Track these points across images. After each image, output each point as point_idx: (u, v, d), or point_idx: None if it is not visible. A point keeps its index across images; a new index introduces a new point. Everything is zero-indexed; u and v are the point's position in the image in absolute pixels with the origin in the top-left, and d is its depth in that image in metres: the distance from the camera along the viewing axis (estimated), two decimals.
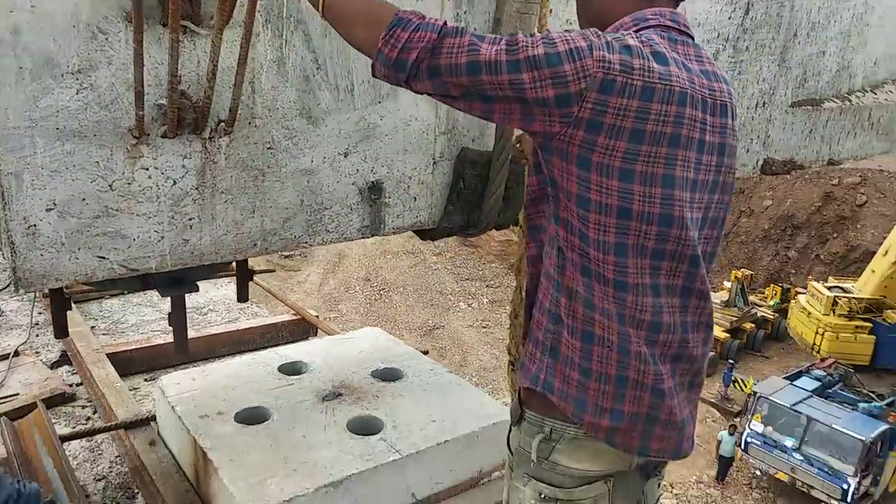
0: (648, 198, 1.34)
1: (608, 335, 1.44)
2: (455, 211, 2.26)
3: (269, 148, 1.85)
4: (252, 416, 2.64)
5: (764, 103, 2.99)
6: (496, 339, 17.57)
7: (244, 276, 2.70)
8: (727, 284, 17.87)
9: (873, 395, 12.38)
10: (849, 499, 10.42)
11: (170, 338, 3.87)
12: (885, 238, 14.94)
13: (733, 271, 18.13)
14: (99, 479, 2.83)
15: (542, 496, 1.54)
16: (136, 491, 2.76)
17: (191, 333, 3.90)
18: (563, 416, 1.50)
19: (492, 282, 21.66)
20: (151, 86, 1.58)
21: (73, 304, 4.26)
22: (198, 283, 2.22)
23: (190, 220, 1.79)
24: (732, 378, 14.43)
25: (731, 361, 15.17)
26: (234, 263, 2.60)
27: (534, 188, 1.59)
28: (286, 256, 21.60)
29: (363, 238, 2.12)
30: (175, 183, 1.73)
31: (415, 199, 2.18)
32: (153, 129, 1.64)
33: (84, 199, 1.63)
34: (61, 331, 2.19)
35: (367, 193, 2.06)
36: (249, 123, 1.80)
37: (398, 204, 2.16)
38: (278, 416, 2.64)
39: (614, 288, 1.40)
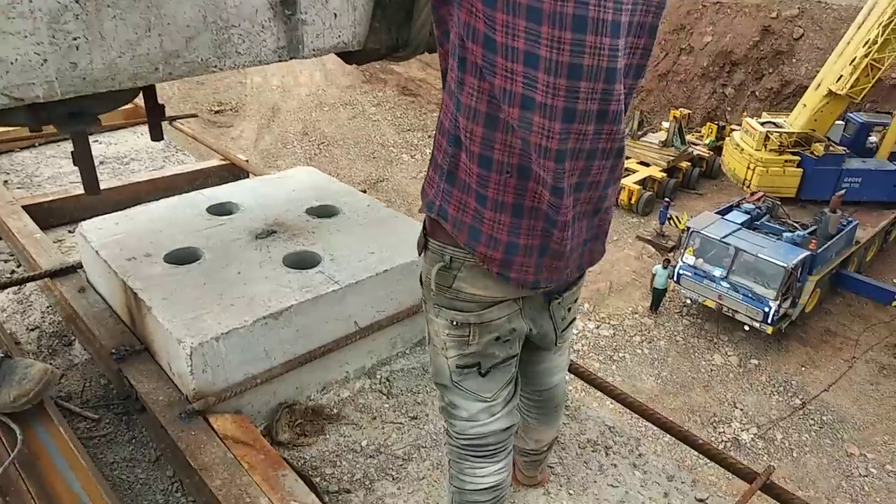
0: (558, 43, 1.21)
1: (508, 160, 1.34)
2: (381, 29, 2.07)
3: None
4: (182, 257, 2.56)
5: None
6: None
7: (155, 112, 2.48)
8: (665, 125, 18.06)
9: (797, 225, 13.12)
10: (769, 320, 11.33)
11: None
12: (818, 72, 15.11)
13: (672, 111, 18.26)
14: (32, 330, 2.77)
15: (455, 323, 1.54)
16: (72, 337, 2.71)
17: (112, 183, 3.72)
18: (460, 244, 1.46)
19: (433, 132, 21.30)
20: None
21: None
22: (99, 117, 2.01)
23: (75, 39, 1.58)
24: (668, 216, 14.99)
25: (667, 200, 15.68)
26: (143, 101, 2.41)
27: (438, 19, 1.41)
28: (216, 112, 20.62)
29: (280, 60, 1.93)
30: None
31: (335, 15, 1.98)
32: None
33: None
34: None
35: (280, 8, 1.85)
36: None
37: (317, 21, 1.95)
38: (210, 255, 2.57)
39: (521, 106, 1.27)
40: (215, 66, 1.83)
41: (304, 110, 21.60)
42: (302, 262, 2.61)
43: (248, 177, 4.04)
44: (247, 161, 4.13)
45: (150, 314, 2.26)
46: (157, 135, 2.57)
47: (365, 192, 3.48)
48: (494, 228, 1.40)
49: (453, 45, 1.34)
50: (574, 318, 1.77)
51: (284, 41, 1.91)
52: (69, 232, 3.49)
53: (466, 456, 1.65)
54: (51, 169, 4.21)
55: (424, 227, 1.55)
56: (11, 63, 1.51)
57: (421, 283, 1.61)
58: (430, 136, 21.10)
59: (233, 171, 4.06)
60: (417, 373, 2.67)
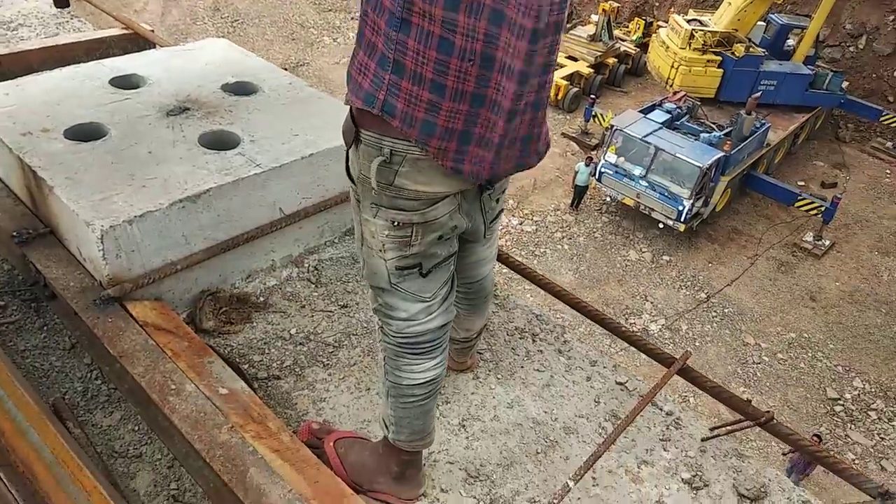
0: None
1: (471, 46, 1.19)
2: None
3: None
4: (85, 133, 2.33)
5: None
6: None
7: None
8: (594, 18, 17.77)
9: (714, 126, 13.46)
10: (682, 218, 11.80)
11: None
12: None
13: (601, 4, 17.93)
14: None
15: (396, 224, 1.42)
16: None
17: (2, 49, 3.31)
18: (404, 136, 1.31)
19: (356, 13, 20.20)
20: None
21: None
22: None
23: None
24: (593, 113, 15.04)
25: (592, 97, 15.68)
26: None
27: None
28: None
29: None
30: None
31: None
32: None
33: None
34: None
35: None
36: None
37: None
38: (116, 131, 2.35)
39: None
40: None
41: None
42: (220, 142, 2.43)
43: (153, 48, 3.68)
44: (152, 31, 3.75)
45: (53, 194, 2.07)
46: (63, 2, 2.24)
47: (285, 69, 3.26)
48: (451, 119, 1.28)
49: None
50: (502, 209, 1.72)
51: None
52: None
53: (403, 353, 1.61)
54: None
55: (353, 117, 1.38)
56: None
57: (352, 180, 1.47)
58: (353, 18, 19.98)
59: (136, 42, 3.69)
60: (347, 262, 2.61)
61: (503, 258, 2.40)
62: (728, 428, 1.95)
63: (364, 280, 1.63)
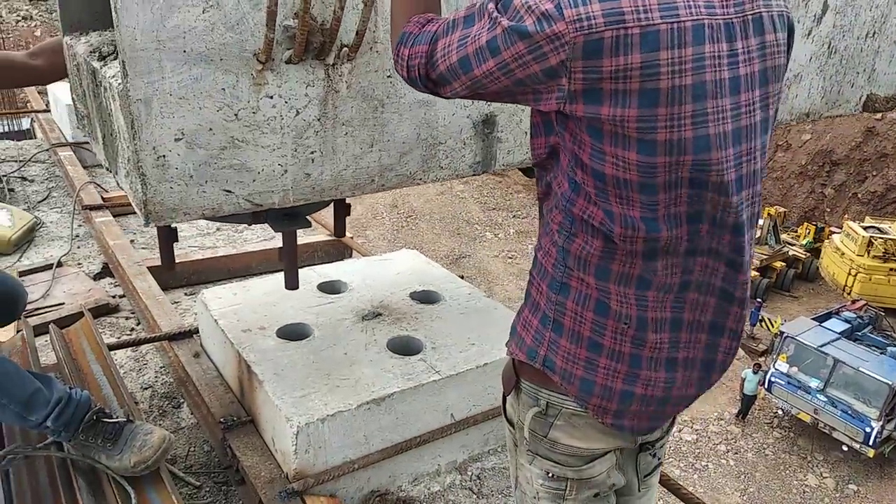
0: (676, 167, 1.12)
1: (626, 311, 1.27)
2: None
3: (388, 76, 1.79)
4: (294, 332, 2.66)
5: (874, 33, 2.76)
6: (521, 269, 17.61)
7: (342, 211, 2.57)
8: (760, 222, 17.55)
9: None
10: (871, 442, 10.48)
11: (208, 254, 3.91)
12: None
13: (766, 208, 17.76)
14: (145, 388, 2.91)
15: (551, 475, 1.43)
16: (182, 400, 2.83)
17: (227, 251, 3.94)
18: (563, 392, 1.36)
19: (518, 212, 21.53)
20: (278, 3, 1.49)
21: (113, 217, 4.30)
22: (308, 217, 2.21)
23: (312, 153, 1.75)
24: (760, 317, 14.35)
25: (759, 300, 15.06)
26: None
27: (540, 151, 1.32)
28: None
29: (474, 175, 2.09)
30: (298, 113, 1.68)
31: (526, 133, 2.09)
32: (278, 53, 1.58)
33: (211, 129, 1.59)
34: (169, 262, 2.19)
35: (481, 127, 2.01)
36: (371, 49, 1.72)
37: (510, 139, 2.09)
38: (319, 332, 2.66)
39: (643, 258, 1.23)
40: (420, 179, 1.98)
41: None
42: (405, 347, 2.65)
43: (351, 253, 4.19)
44: (352, 238, 4.29)
45: (262, 388, 2.34)
46: (340, 230, 2.63)
47: (462, 277, 3.54)
48: (609, 377, 1.32)
49: (558, 196, 1.29)
50: (660, 463, 1.64)
51: (480, 157, 2.05)
52: (185, 294, 3.70)
53: None
54: None
55: (514, 365, 1.46)
56: (259, 173, 1.69)
57: (510, 424, 1.51)
58: (514, 216, 21.32)
59: (338, 247, 4.23)
60: (506, 474, 2.62)
61: (673, 487, 2.30)
62: None
63: None
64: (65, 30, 2.17)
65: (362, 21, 1.60)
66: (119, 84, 1.54)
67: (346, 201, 2.52)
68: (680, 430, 11.58)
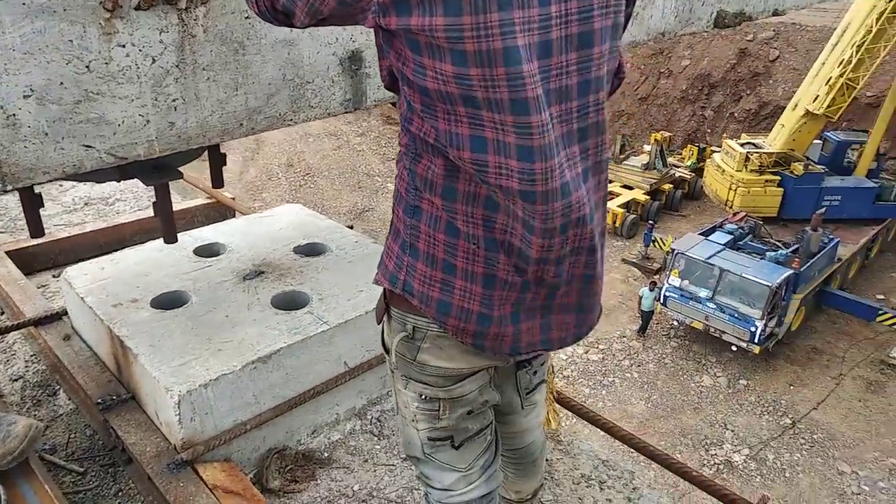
0: (491, 82, 1.12)
1: (472, 231, 1.27)
2: None
3: (246, 17, 1.74)
4: (169, 301, 2.54)
5: None
6: None
7: (217, 160, 2.44)
8: (647, 148, 18.28)
9: (780, 245, 13.25)
10: (756, 340, 11.37)
11: (75, 231, 3.66)
12: (794, 92, 15.40)
13: (653, 134, 18.50)
14: (15, 380, 2.72)
15: (423, 397, 1.46)
16: (57, 387, 2.67)
17: (98, 224, 3.70)
18: (425, 314, 1.37)
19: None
20: None
21: None
22: (180, 168, 2.14)
23: (174, 101, 1.70)
24: (652, 238, 15.09)
25: (651, 222, 15.80)
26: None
27: (383, 74, 1.35)
28: None
29: (346, 112, 2.07)
30: (154, 61, 1.63)
31: None
32: (126, 0, 1.51)
33: (62, 83, 1.51)
34: (37, 230, 2.06)
35: (348, 64, 1.99)
36: None
37: (378, 74, 2.07)
38: (197, 298, 2.55)
39: (480, 183, 1.22)
40: (290, 120, 1.96)
41: (288, 142, 21.67)
42: (290, 302, 2.60)
43: (234, 215, 4.03)
44: (233, 199, 4.12)
45: (137, 362, 2.23)
46: (218, 181, 2.51)
47: (351, 227, 3.49)
48: (465, 299, 1.32)
49: (404, 115, 1.29)
50: (542, 380, 1.70)
51: (350, 94, 2.03)
52: (53, 277, 3.46)
53: None
54: None
55: (384, 294, 1.47)
56: (118, 125, 1.63)
57: (386, 352, 1.53)
58: None
59: (219, 210, 4.05)
60: None
61: (564, 401, 2.40)
62: None
63: (402, 449, 1.65)
64: None
65: None
66: None
67: (221, 150, 2.43)
68: (587, 352, 12.15)
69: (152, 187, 2.26)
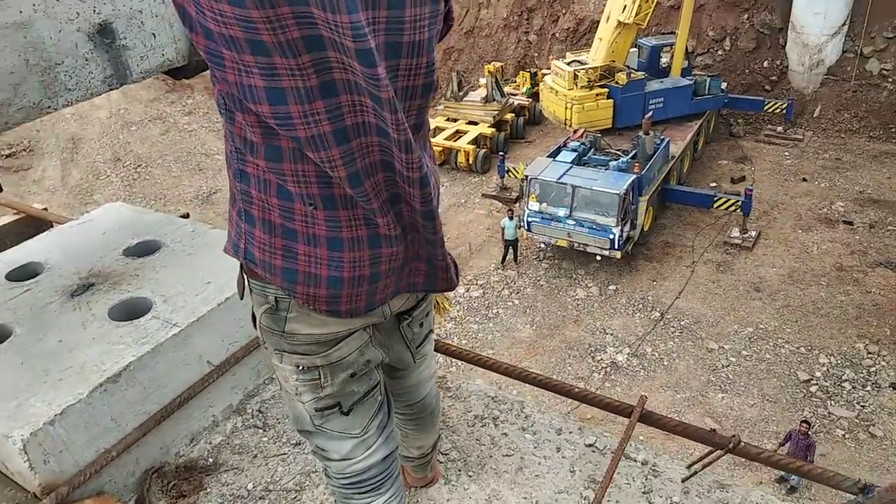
0: (278, 23, 1.00)
1: (306, 190, 1.17)
2: None
3: None
4: None
5: None
6: None
7: None
8: (483, 81, 18.55)
9: (620, 153, 14.05)
10: (616, 246, 12.11)
11: None
12: (605, 6, 16.11)
13: (486, 66, 18.76)
14: None
15: (301, 368, 1.37)
16: None
17: None
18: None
19: None
20: None
21: None
22: None
23: None
24: (506, 168, 15.49)
25: (501, 153, 16.17)
26: None
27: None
28: (8, 155, 18.47)
29: (111, 88, 1.90)
30: None
31: (154, 35, 1.95)
32: None
33: None
34: None
35: (98, 38, 1.83)
36: None
37: (138, 44, 1.93)
38: (21, 328, 2.25)
39: (290, 140, 1.11)
40: (49, 107, 1.79)
41: (109, 135, 19.84)
42: (131, 311, 2.36)
43: (51, 227, 3.60)
44: (45, 209, 3.67)
45: None
46: None
47: (187, 215, 3.23)
48: (311, 264, 1.24)
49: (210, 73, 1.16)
50: (430, 330, 1.66)
51: (111, 69, 1.88)
52: None
53: (351, 495, 1.53)
54: None
55: (241, 265, 1.37)
56: None
57: (254, 325, 1.43)
58: None
59: (33, 225, 3.59)
60: None
61: (442, 348, 2.38)
62: (702, 463, 1.94)
63: (292, 425, 1.56)
64: None
65: None
66: None
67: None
68: (468, 290, 12.42)
69: None
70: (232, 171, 1.25)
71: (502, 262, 13.12)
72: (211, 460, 2.27)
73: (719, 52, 18.73)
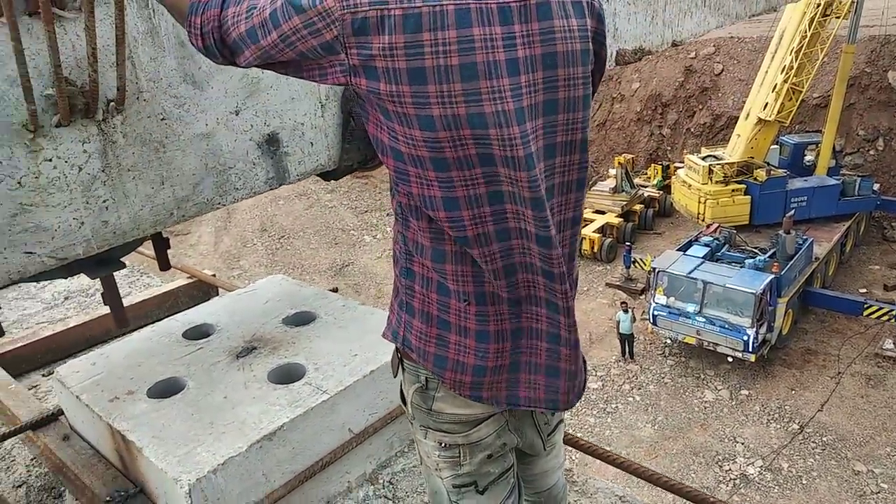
0: (459, 141, 1.18)
1: (463, 288, 1.34)
2: (352, 149, 2.33)
3: (162, 119, 1.86)
4: (166, 389, 2.51)
5: None
6: None
7: (161, 245, 2.60)
8: (612, 171, 18.61)
9: (756, 251, 13.45)
10: (750, 348, 11.43)
11: (58, 328, 3.62)
12: (744, 102, 15.86)
13: (616, 158, 18.86)
14: (18, 486, 2.66)
15: (443, 445, 1.49)
16: (62, 488, 2.61)
17: (81, 318, 3.66)
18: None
19: (391, 210, 21.47)
20: (34, 77, 1.56)
21: None
22: (122, 259, 2.23)
23: (104, 202, 1.81)
24: (632, 259, 15.25)
25: (628, 244, 15.99)
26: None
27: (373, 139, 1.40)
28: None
29: (272, 189, 2.17)
30: (81, 169, 1.74)
31: (311, 143, 2.23)
32: (46, 119, 1.63)
33: None
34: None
35: (266, 146, 2.11)
36: (138, 98, 1.80)
37: (297, 151, 2.21)
38: (193, 383, 2.53)
39: (456, 243, 1.29)
40: (219, 203, 2.07)
41: (258, 207, 21.69)
42: (287, 375, 2.58)
43: (217, 292, 4.02)
44: (214, 275, 4.11)
45: (142, 455, 2.20)
46: (164, 264, 2.69)
47: (336, 290, 3.50)
48: (460, 352, 1.38)
49: (391, 184, 1.36)
50: (561, 420, 1.72)
51: (273, 172, 2.15)
52: (43, 376, 3.40)
53: None
54: (15, 312, 4.13)
55: (396, 348, 1.53)
56: (55, 230, 1.75)
57: (404, 404, 1.57)
58: (388, 215, 21.29)
59: (201, 288, 4.04)
60: (419, 471, 2.63)
61: (573, 441, 2.40)
62: None
63: (428, 499, 1.68)
64: None
65: (119, 77, 1.68)
66: None
67: (163, 235, 2.55)
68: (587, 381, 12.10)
69: (129, 269, 2.33)
70: (399, 269, 1.43)
71: (624, 356, 12.72)
72: None
73: (871, 153, 17.71)
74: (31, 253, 1.73)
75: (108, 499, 2.28)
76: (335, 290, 3.43)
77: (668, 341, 12.90)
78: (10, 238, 1.69)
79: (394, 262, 1.47)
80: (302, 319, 2.96)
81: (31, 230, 1.72)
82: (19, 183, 1.66)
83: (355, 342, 2.73)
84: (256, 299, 3.18)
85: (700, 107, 20.52)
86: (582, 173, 1.36)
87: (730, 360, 11.95)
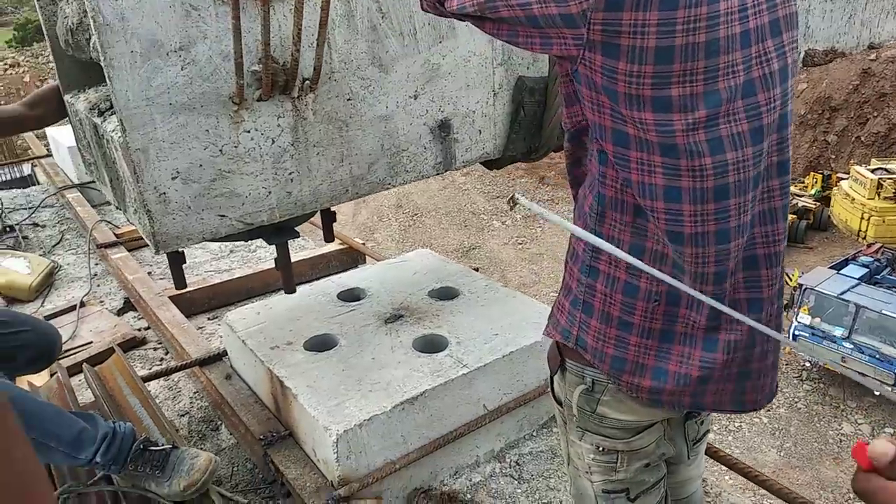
0: (693, 128, 1.12)
1: (656, 288, 1.27)
2: (518, 139, 2.39)
3: (348, 99, 2.00)
4: (320, 343, 2.71)
5: None
6: (533, 254, 17.62)
7: (328, 218, 2.75)
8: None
9: None
10: None
11: (225, 277, 3.97)
12: None
13: None
14: (182, 415, 2.97)
15: (601, 449, 1.46)
16: (219, 422, 2.89)
17: (245, 271, 4.00)
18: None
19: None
20: (244, 54, 1.73)
21: (128, 251, 4.37)
22: (296, 228, 2.41)
23: (290, 174, 1.99)
24: None
25: None
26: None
27: (568, 121, 1.37)
28: None
29: (438, 174, 2.28)
30: (274, 141, 1.92)
31: (480, 131, 2.30)
32: (249, 93, 1.81)
33: (201, 166, 1.84)
34: (180, 284, 2.42)
35: (438, 132, 2.21)
36: (330, 78, 1.95)
37: (466, 138, 2.29)
38: (345, 341, 2.71)
39: (668, 240, 1.22)
40: (389, 184, 2.21)
41: None
42: (430, 345, 2.70)
43: (364, 260, 4.23)
44: (363, 244, 4.33)
45: (296, 401, 2.39)
46: (329, 236, 2.83)
47: (477, 269, 3.58)
48: (640, 354, 1.33)
49: (592, 173, 1.31)
50: (707, 430, 1.67)
51: (441, 157, 2.26)
52: (208, 319, 3.76)
53: None
54: (189, 259, 4.56)
55: (558, 346, 1.49)
56: (246, 197, 1.93)
57: (558, 403, 1.54)
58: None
59: (351, 255, 4.28)
60: (546, 456, 2.66)
61: (710, 451, 2.33)
62: None
63: (572, 500, 1.67)
64: (64, 89, 2.37)
65: (317, 58, 1.80)
66: (119, 137, 1.76)
67: (331, 209, 2.68)
68: None
69: None
70: (579, 265, 1.38)
71: None
72: (469, 496, 2.47)
73: None
74: (223, 216, 1.92)
75: (261, 437, 2.50)
76: (476, 270, 3.51)
77: (808, 364, 12.02)
78: (208, 201, 1.88)
79: (571, 259, 1.42)
80: (446, 294, 3.07)
81: (226, 195, 1.90)
82: (220, 150, 1.84)
83: (496, 322, 2.79)
84: (405, 270, 3.32)
85: (875, 114, 18.70)
86: (785, 154, 1.28)
87: (877, 393, 10.96)
